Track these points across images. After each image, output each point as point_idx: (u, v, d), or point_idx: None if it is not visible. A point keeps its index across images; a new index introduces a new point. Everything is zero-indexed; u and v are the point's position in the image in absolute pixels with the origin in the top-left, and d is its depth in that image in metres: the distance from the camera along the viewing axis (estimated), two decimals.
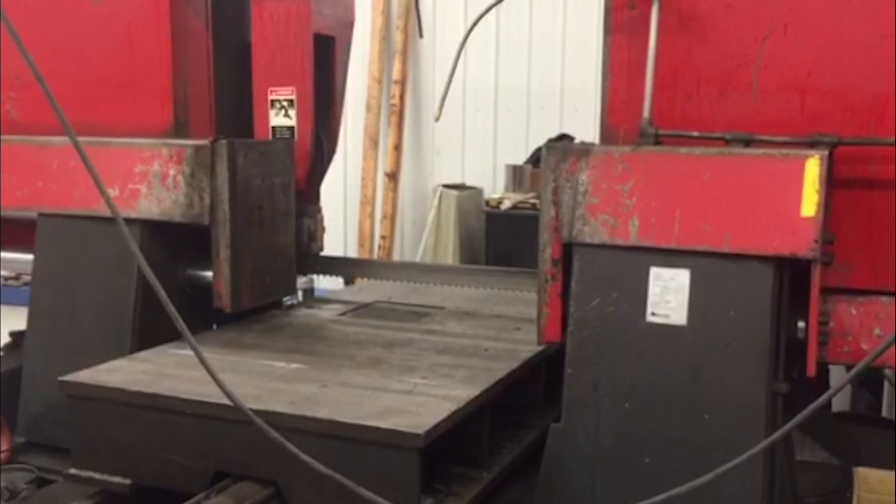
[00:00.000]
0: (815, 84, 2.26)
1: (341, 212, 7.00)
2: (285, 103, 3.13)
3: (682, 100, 2.37)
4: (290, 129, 3.16)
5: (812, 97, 2.26)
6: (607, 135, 2.46)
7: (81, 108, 3.10)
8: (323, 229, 3.41)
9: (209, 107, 3.15)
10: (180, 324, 1.84)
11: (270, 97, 3.16)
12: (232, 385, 2.28)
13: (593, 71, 5.91)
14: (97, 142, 2.92)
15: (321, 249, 3.40)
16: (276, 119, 3.16)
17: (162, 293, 1.82)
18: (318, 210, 3.38)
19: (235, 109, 3.24)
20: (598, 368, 2.24)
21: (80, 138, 1.83)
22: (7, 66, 3.11)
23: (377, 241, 6.94)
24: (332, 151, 3.42)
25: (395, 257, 7.13)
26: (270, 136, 3.18)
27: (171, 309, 1.84)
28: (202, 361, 1.88)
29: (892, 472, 2.53)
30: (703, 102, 2.35)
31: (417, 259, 6.74)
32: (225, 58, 3.19)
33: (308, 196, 3.30)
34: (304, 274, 3.37)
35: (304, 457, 1.88)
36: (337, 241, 6.81)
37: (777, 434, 1.90)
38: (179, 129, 3.02)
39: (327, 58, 3.27)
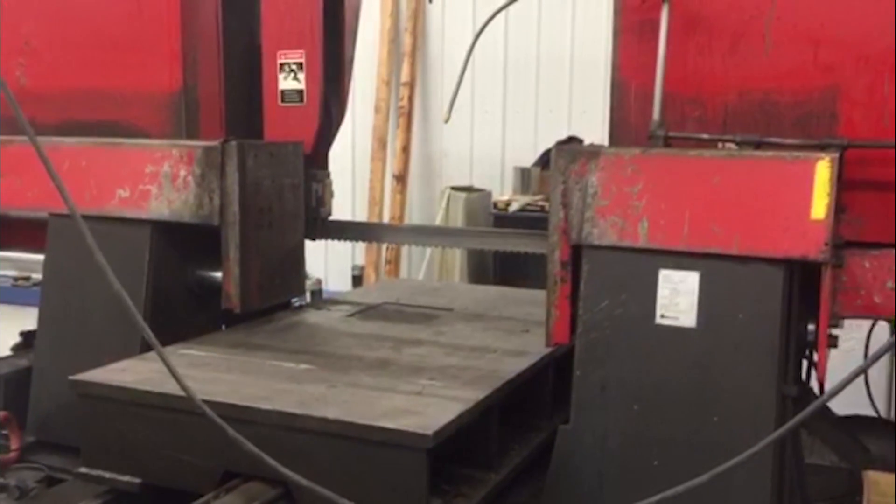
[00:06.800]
0: (827, 35, 2.24)
1: (349, 212, 7.02)
2: (294, 66, 3.13)
3: (694, 54, 2.36)
4: (299, 92, 3.15)
5: (825, 48, 2.24)
6: (618, 91, 2.45)
7: (92, 73, 3.13)
8: (331, 194, 3.40)
9: (218, 70, 3.16)
10: (145, 329, 1.84)
11: (279, 60, 3.15)
12: (241, 385, 2.30)
13: (603, 73, 5.91)
14: (108, 142, 2.94)
15: (329, 214, 3.40)
16: (285, 83, 3.15)
17: (125, 297, 1.79)
18: (327, 175, 3.37)
19: (245, 74, 3.24)
20: (607, 370, 2.24)
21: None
22: (17, 33, 3.13)
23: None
24: (341, 117, 3.41)
25: (403, 258, 7.13)
26: (279, 100, 3.18)
27: (138, 316, 1.83)
28: (159, 353, 1.87)
29: None
30: (715, 56, 2.34)
31: (425, 260, 6.74)
32: (235, 22, 3.20)
33: (316, 161, 3.30)
34: (313, 239, 3.35)
35: (283, 469, 1.86)
36: None
37: (779, 431, 1.89)
38: (188, 92, 3.03)
39: (336, 22, 3.27)
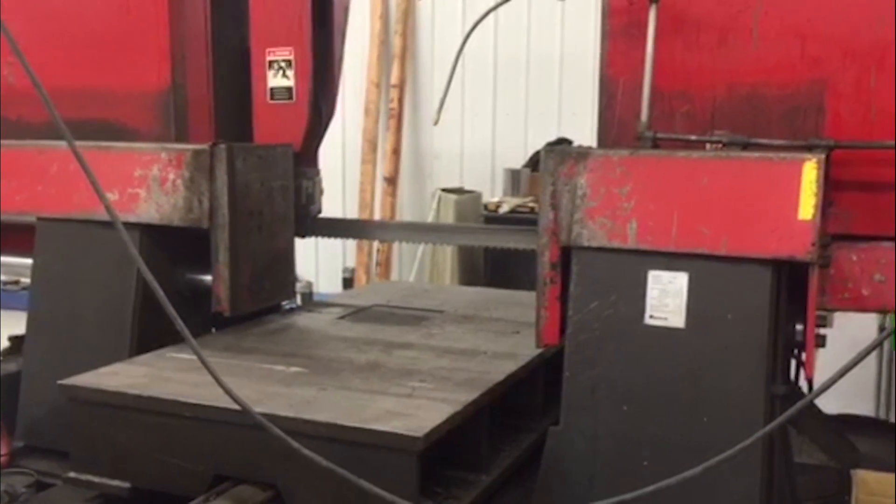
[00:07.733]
0: (815, 29, 2.25)
1: (340, 215, 7.02)
2: (283, 64, 3.12)
3: (682, 49, 2.37)
4: (288, 89, 3.14)
5: (812, 42, 2.26)
6: (607, 93, 2.46)
7: (81, 72, 3.12)
8: (321, 191, 3.40)
9: (207, 69, 3.15)
10: (181, 325, 1.84)
11: (268, 58, 3.14)
12: (232, 388, 2.29)
13: (592, 74, 5.92)
14: (96, 146, 2.93)
15: (319, 212, 3.40)
16: (274, 80, 3.15)
17: (163, 297, 1.82)
18: (317, 173, 3.37)
19: (234, 73, 3.24)
20: (597, 371, 2.25)
21: (81, 142, 1.82)
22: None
23: (375, 244, 6.96)
24: (331, 114, 3.41)
25: (394, 260, 7.14)
26: (268, 98, 3.17)
27: (172, 312, 1.84)
28: (203, 363, 1.88)
29: (891, 475, 2.54)
30: (703, 50, 2.35)
31: (416, 262, 6.75)
32: (223, 21, 3.20)
33: (306, 159, 3.30)
34: (303, 237, 3.35)
35: (306, 452, 1.89)
36: (335, 242, 6.82)
37: (767, 428, 1.90)
38: (177, 90, 3.03)
39: (325, 19, 3.26)
